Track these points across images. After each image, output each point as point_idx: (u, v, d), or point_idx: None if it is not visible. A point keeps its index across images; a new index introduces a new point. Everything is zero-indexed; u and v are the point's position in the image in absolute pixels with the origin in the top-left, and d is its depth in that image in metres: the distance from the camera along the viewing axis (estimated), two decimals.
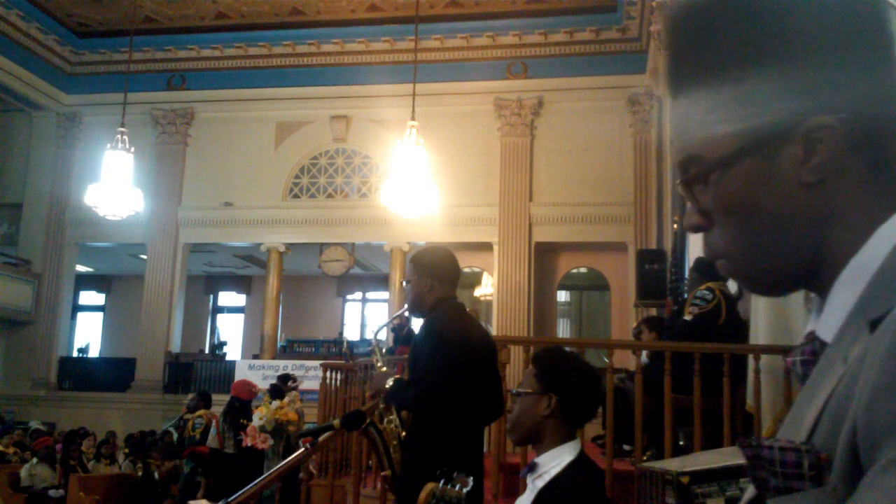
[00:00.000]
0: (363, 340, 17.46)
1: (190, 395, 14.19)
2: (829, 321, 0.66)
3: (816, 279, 0.69)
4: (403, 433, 3.32)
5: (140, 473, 10.34)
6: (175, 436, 11.28)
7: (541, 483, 2.19)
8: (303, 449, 3.31)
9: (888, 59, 0.67)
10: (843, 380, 0.59)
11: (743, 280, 0.73)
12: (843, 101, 0.65)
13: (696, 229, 0.73)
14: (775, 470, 0.59)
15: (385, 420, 3.36)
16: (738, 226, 0.70)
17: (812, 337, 0.69)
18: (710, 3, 0.70)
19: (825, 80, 0.65)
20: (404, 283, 3.40)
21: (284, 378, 9.31)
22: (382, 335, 13.06)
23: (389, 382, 3.24)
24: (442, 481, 1.64)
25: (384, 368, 3.44)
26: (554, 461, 2.19)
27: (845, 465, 0.55)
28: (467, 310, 3.49)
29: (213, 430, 8.55)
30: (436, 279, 3.29)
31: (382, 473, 3.25)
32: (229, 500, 2.84)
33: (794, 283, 0.71)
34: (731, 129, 0.68)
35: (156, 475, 10.21)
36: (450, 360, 3.05)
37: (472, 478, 1.68)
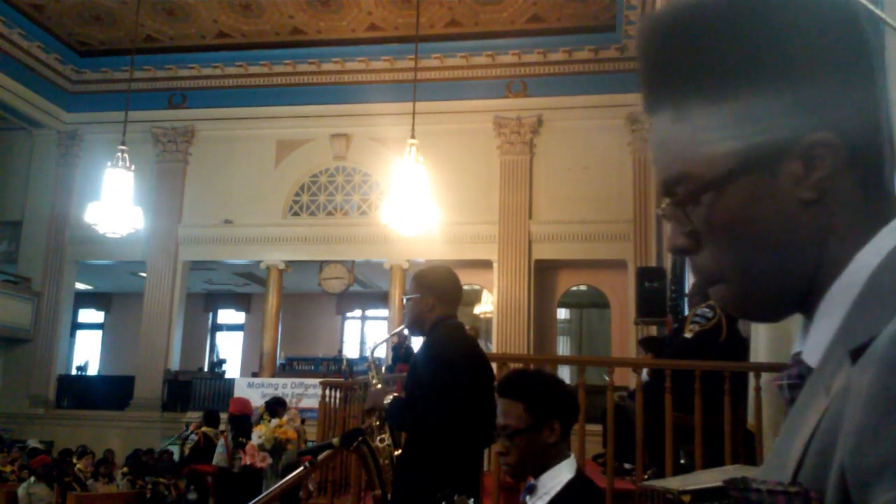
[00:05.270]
0: (362, 358, 17.41)
1: (189, 414, 14.17)
2: (815, 346, 0.65)
3: (806, 302, 0.67)
4: (397, 452, 3.29)
5: (148, 495, 10.26)
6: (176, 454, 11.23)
7: None
8: (302, 467, 3.29)
9: (871, 78, 0.66)
10: (828, 414, 0.57)
11: (738, 304, 0.70)
12: (834, 118, 0.64)
13: (682, 252, 0.70)
14: None
15: (378, 438, 3.33)
16: (733, 247, 0.67)
17: (798, 359, 0.67)
18: (689, 18, 0.67)
19: (815, 98, 0.64)
20: (405, 300, 3.37)
21: (274, 404, 9.05)
22: (381, 353, 13.02)
23: (388, 399, 3.22)
24: (443, 503, 1.64)
25: (379, 385, 3.41)
26: (553, 481, 2.18)
27: None
28: (466, 329, 3.46)
29: (221, 449, 8.48)
30: (437, 298, 3.26)
31: (373, 493, 3.22)
32: None
33: (789, 306, 0.69)
34: (727, 147, 0.66)
35: (168, 494, 10.15)
36: (451, 383, 3.03)
37: (472, 500, 1.67)
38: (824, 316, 0.64)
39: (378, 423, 3.35)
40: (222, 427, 9.57)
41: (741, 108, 0.65)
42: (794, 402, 0.67)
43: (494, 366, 3.87)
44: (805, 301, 0.67)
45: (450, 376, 3.03)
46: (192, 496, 8.94)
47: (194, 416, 14.18)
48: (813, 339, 0.65)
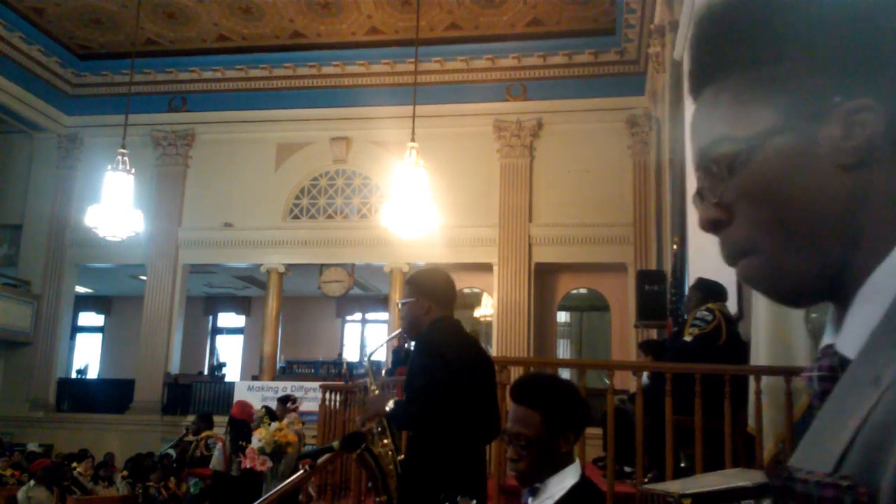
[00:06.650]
0: (362, 361, 17.41)
1: (189, 417, 14.14)
2: (852, 336, 0.62)
3: (839, 286, 0.64)
4: (400, 457, 3.27)
5: (140, 497, 10.26)
6: (174, 457, 11.20)
7: None
8: (302, 471, 3.28)
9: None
10: (880, 406, 0.54)
11: (768, 278, 0.68)
12: (874, 89, 0.63)
13: (714, 224, 0.69)
14: None
15: (379, 444, 3.31)
16: (769, 210, 0.66)
17: (831, 351, 0.64)
18: (739, 6, 0.69)
19: (855, 69, 0.64)
20: (399, 304, 3.36)
21: (283, 399, 9.20)
22: (381, 356, 13.00)
23: (390, 405, 3.20)
24: None
25: (377, 392, 3.40)
26: (559, 485, 2.17)
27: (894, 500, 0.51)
28: (466, 329, 3.45)
29: (217, 453, 8.47)
30: (433, 301, 3.25)
31: (378, 500, 3.19)
32: None
33: (820, 287, 0.66)
34: (767, 110, 0.66)
35: (158, 496, 10.14)
36: (447, 376, 3.02)
37: (475, 501, 1.67)
38: (865, 302, 0.62)
39: (379, 428, 3.33)
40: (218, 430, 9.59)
41: (783, 77, 0.66)
42: (824, 394, 0.64)
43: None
44: (837, 287, 0.65)
45: (442, 369, 3.02)
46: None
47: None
48: (851, 328, 0.63)
